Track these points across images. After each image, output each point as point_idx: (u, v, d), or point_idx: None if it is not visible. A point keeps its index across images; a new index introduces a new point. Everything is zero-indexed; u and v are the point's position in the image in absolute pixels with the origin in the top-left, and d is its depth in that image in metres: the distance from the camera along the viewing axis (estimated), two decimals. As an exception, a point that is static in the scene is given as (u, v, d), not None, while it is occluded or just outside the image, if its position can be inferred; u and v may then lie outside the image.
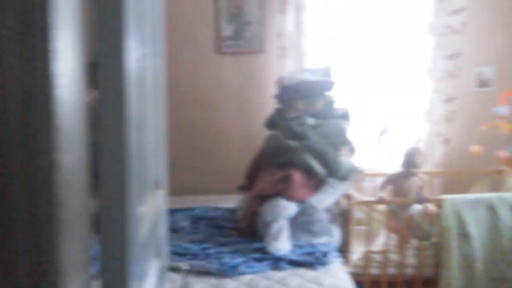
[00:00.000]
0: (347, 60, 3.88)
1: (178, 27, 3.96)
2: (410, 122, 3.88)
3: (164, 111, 1.20)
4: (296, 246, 2.83)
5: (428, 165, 3.75)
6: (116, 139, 0.64)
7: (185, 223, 3.35)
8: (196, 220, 3.42)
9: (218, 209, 3.61)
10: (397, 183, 3.09)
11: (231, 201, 3.53)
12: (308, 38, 3.74)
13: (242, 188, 3.39)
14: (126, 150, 0.65)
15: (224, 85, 4.02)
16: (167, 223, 1.28)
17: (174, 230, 3.23)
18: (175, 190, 3.95)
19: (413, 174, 3.04)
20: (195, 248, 2.88)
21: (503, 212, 2.75)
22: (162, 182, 1.18)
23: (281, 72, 3.65)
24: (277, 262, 2.64)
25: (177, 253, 2.81)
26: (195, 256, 2.78)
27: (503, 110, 3.23)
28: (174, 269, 1.29)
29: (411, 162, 3.03)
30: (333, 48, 3.90)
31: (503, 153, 3.32)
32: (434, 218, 2.97)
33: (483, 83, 3.91)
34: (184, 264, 1.35)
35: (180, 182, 3.90)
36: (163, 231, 1.19)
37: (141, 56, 0.79)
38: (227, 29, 3.93)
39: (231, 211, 3.51)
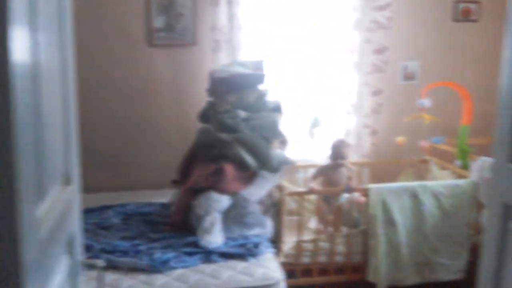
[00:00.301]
0: (279, 53, 3.92)
1: (107, 18, 3.83)
2: (340, 114, 3.99)
3: (74, 105, 1.15)
4: (229, 238, 2.84)
5: (357, 156, 3.89)
6: (1, 135, 0.60)
7: (116, 220, 3.27)
8: (128, 216, 3.35)
9: (151, 204, 3.55)
10: (326, 174, 3.18)
11: (166, 196, 3.50)
12: (241, 32, 3.74)
13: (176, 183, 3.36)
14: (13, 146, 0.62)
15: (157, 78, 3.94)
16: (81, 219, 1.24)
17: (104, 227, 3.16)
18: (108, 186, 3.88)
19: (341, 165, 3.13)
20: (125, 244, 2.82)
21: (425, 199, 2.90)
22: (73, 177, 1.14)
23: (214, 65, 3.63)
24: (208, 255, 2.64)
25: (106, 251, 2.74)
26: (125, 253, 2.72)
27: (425, 102, 3.40)
28: (90, 266, 1.26)
29: (338, 154, 3.12)
30: (266, 41, 3.93)
31: (425, 143, 3.49)
32: (362, 207, 3.09)
33: (408, 76, 4.10)
34: (99, 261, 1.31)
35: (114, 177, 3.80)
36: (75, 227, 1.15)
37: (34, 45, 0.75)
38: (158, 21, 3.85)
39: (165, 206, 3.47)
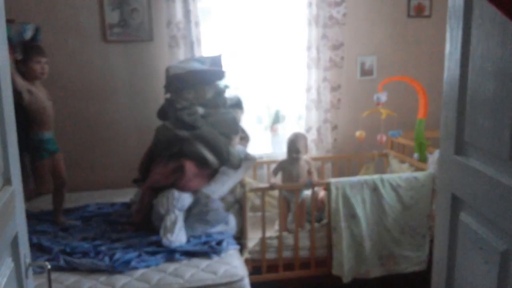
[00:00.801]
0: (237, 49, 3.89)
1: (58, 13, 3.68)
2: (301, 110, 3.99)
3: (9, 103, 1.08)
4: (192, 236, 2.79)
5: (319, 151, 3.91)
6: None
7: (76, 222, 3.18)
8: (89, 218, 3.26)
9: (113, 204, 3.47)
10: (285, 169, 3.16)
11: (128, 195, 3.41)
12: (198, 27, 3.67)
13: (137, 181, 3.27)
14: None
15: (113, 75, 3.83)
16: (24, 220, 1.17)
17: (64, 229, 3.06)
18: (70, 186, 3.73)
19: (298, 159, 3.12)
20: (85, 246, 2.74)
21: (385, 192, 2.93)
22: (14, 178, 1.07)
23: (172, 62, 3.56)
24: (171, 254, 2.58)
25: (66, 252, 2.64)
26: (85, 254, 2.63)
27: (381, 97, 3.44)
28: (38, 268, 1.18)
29: (294, 148, 3.11)
30: (223, 37, 3.89)
31: (383, 137, 3.54)
32: (323, 201, 3.09)
33: (365, 72, 4.15)
34: (46, 263, 1.24)
35: (72, 178, 3.65)
36: (18, 228, 1.08)
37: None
38: (112, 16, 3.73)
39: (126, 205, 3.39)
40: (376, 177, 2.97)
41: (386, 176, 2.99)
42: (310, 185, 2.95)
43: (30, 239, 2.84)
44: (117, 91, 3.86)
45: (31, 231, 3.02)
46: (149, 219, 2.91)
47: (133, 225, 3.00)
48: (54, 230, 3.04)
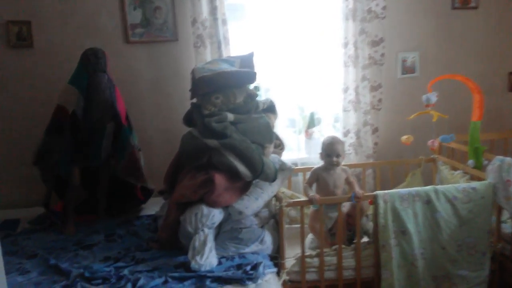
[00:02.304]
0: (268, 48, 3.58)
1: (78, 13, 3.46)
2: (338, 112, 3.67)
3: None
4: (224, 257, 2.51)
5: (359, 156, 3.59)
6: None
7: (99, 237, 2.96)
8: (113, 231, 3.04)
9: (138, 217, 3.25)
10: (321, 178, 2.86)
11: (154, 206, 3.20)
12: (226, 25, 3.40)
13: (163, 193, 3.02)
14: None
15: (137, 78, 3.60)
16: None
17: (85, 246, 2.83)
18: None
19: (335, 165, 2.81)
20: (106, 269, 2.47)
21: (440, 205, 2.60)
22: None
23: (198, 63, 3.29)
24: (201, 280, 2.29)
25: (84, 277, 2.38)
26: (105, 279, 2.37)
27: (431, 97, 3.09)
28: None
29: (334, 151, 2.80)
30: (253, 36, 3.59)
31: (434, 142, 3.20)
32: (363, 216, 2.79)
33: (407, 69, 3.81)
34: None
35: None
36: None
37: None
38: (134, 16, 3.49)
39: (153, 218, 3.15)
40: (429, 188, 2.64)
41: (440, 187, 2.65)
42: (355, 198, 2.63)
43: (47, 260, 2.64)
44: (141, 95, 3.62)
45: (51, 247, 2.81)
46: (176, 236, 2.65)
47: (159, 243, 2.74)
48: (76, 249, 2.82)
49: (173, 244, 2.66)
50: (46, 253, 2.72)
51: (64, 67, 3.47)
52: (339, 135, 3.54)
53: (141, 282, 2.31)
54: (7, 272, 2.50)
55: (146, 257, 2.61)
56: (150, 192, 3.29)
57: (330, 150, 2.83)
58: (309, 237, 2.94)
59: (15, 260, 2.66)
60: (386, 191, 2.65)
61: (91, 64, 2.93)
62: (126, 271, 2.44)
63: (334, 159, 2.82)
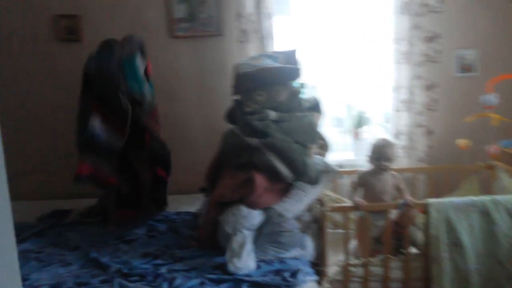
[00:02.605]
0: (315, 44, 3.44)
1: (124, 7, 3.45)
2: (389, 112, 3.48)
3: None
4: (263, 261, 2.40)
5: (410, 159, 3.38)
6: None
7: (141, 231, 2.94)
8: (154, 226, 3.01)
9: (179, 213, 3.20)
10: (368, 182, 2.69)
11: (196, 201, 3.11)
12: (271, 19, 3.28)
13: (204, 190, 2.95)
14: None
15: (180, 73, 3.55)
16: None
17: (127, 240, 2.81)
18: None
19: (384, 170, 2.64)
20: (144, 266, 2.44)
21: (499, 217, 2.38)
22: None
23: (242, 58, 3.19)
24: (238, 284, 2.19)
25: (122, 273, 2.35)
26: (142, 277, 2.32)
27: (491, 99, 2.85)
28: None
29: (381, 155, 2.63)
30: (299, 30, 3.45)
31: (494, 148, 2.94)
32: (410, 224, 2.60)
33: (464, 68, 3.55)
34: None
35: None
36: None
37: None
38: (179, 10, 3.44)
39: (194, 215, 3.09)
40: (487, 198, 2.42)
41: (500, 198, 2.43)
42: (405, 205, 2.45)
43: (88, 253, 2.64)
44: (184, 90, 3.58)
45: (94, 240, 2.81)
46: (215, 236, 2.57)
47: (198, 241, 2.67)
48: (117, 243, 2.80)
49: (212, 243, 2.58)
50: (88, 245, 2.73)
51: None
52: (389, 136, 3.35)
53: (177, 282, 2.25)
54: (50, 263, 2.51)
55: (185, 255, 2.55)
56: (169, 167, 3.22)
57: (380, 153, 2.66)
58: (354, 243, 2.79)
59: (58, 252, 2.68)
60: (439, 200, 2.45)
61: None
62: (163, 269, 2.39)
63: (384, 163, 2.65)
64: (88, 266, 2.50)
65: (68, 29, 3.47)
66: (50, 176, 3.57)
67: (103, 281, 2.28)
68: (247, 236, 2.39)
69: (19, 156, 3.57)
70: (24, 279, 2.30)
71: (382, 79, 3.47)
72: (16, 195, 3.82)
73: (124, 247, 2.73)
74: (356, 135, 3.48)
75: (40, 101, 3.55)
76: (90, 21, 3.45)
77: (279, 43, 3.39)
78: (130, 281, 2.27)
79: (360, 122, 3.46)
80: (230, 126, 2.78)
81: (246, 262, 2.29)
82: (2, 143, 0.88)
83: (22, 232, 2.90)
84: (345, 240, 2.50)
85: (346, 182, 3.21)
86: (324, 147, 2.85)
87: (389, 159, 2.66)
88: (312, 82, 3.47)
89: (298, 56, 2.79)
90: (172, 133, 3.58)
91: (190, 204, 3.20)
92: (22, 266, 2.45)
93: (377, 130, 3.54)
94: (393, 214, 2.63)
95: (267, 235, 2.48)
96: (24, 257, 2.57)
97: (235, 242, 2.35)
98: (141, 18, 3.47)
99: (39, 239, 2.83)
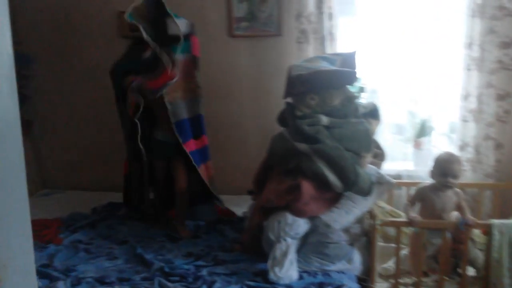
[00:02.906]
0: (379, 46, 3.26)
1: (185, 6, 3.47)
2: (455, 121, 3.24)
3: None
4: (306, 272, 2.31)
5: (476, 174, 3.12)
6: None
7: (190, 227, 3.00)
8: (200, 226, 3.03)
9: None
10: (428, 198, 2.49)
11: (245, 203, 3.03)
12: (332, 20, 3.15)
13: (252, 193, 2.90)
14: None
15: (238, 73, 3.52)
16: None
17: (172, 239, 2.85)
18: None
19: (449, 187, 2.43)
20: (185, 267, 2.43)
21: None
22: None
23: (299, 59, 3.10)
24: (277, 294, 2.13)
25: (164, 272, 2.35)
26: (182, 278, 2.31)
27: None
28: None
29: (451, 171, 2.42)
30: (364, 32, 3.29)
31: None
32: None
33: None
34: None
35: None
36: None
37: None
38: (240, 9, 3.40)
39: (240, 218, 3.07)
40: (561, 222, 2.17)
41: None
42: (465, 225, 2.26)
43: (135, 248, 2.68)
44: (241, 91, 3.54)
45: (141, 236, 2.84)
46: (259, 241, 2.51)
47: (242, 245, 2.63)
48: (163, 239, 2.82)
49: (256, 248, 2.52)
50: (136, 241, 2.77)
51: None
52: (454, 148, 3.11)
53: (216, 286, 2.22)
54: (97, 256, 2.57)
55: (227, 259, 2.53)
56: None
57: (447, 169, 2.44)
58: (406, 259, 2.61)
59: (106, 245, 2.75)
60: (504, 221, 2.24)
61: None
62: (204, 272, 2.38)
63: (450, 180, 2.44)
64: (133, 262, 2.54)
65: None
66: (109, 168, 3.65)
67: (144, 278, 2.30)
68: (291, 244, 2.31)
69: (79, 147, 3.71)
70: (70, 269, 2.36)
71: (449, 86, 3.23)
72: (74, 185, 3.97)
73: (169, 245, 2.76)
74: (418, 145, 3.27)
75: (103, 95, 3.65)
76: (152, 19, 3.50)
77: (341, 45, 3.26)
78: (170, 281, 2.27)
79: (422, 131, 3.25)
80: (282, 129, 2.70)
81: (287, 271, 2.22)
82: (21, 140, 0.85)
83: (76, 222, 3.00)
84: (397, 256, 2.34)
85: (403, 194, 3.03)
86: (379, 156, 2.70)
87: (455, 176, 2.44)
88: (373, 87, 3.31)
89: (357, 58, 2.65)
90: (225, 134, 3.57)
91: (238, 205, 3.17)
92: (71, 257, 2.54)
93: (441, 141, 3.31)
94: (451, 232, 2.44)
95: (312, 245, 2.39)
96: (74, 247, 2.65)
97: (278, 250, 2.28)
98: (202, 16, 3.46)
99: (91, 231, 2.91)
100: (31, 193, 3.52)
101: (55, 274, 2.27)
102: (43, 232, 2.77)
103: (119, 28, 3.52)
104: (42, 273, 2.27)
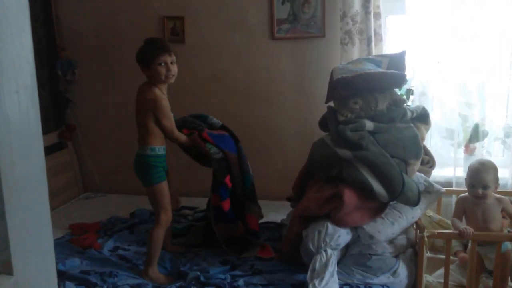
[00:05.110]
0: (429, 47, 3.08)
1: (227, 9, 3.43)
2: (511, 125, 3.03)
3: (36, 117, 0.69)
4: (348, 285, 2.21)
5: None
6: None
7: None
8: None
9: (266, 222, 3.06)
10: (467, 209, 2.32)
11: (283, 210, 2.98)
12: (379, 20, 3.02)
13: (291, 200, 2.81)
14: None
15: (279, 76, 3.45)
16: None
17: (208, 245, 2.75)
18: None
19: (481, 198, 2.25)
20: (221, 276, 2.36)
21: None
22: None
23: (344, 61, 2.99)
24: (316, 308, 2.03)
25: (199, 281, 2.30)
26: (218, 287, 2.25)
27: None
28: None
29: (479, 181, 2.24)
30: (415, 31, 3.12)
31: None
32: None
33: None
34: None
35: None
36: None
37: None
38: (282, 11, 3.32)
39: (279, 225, 2.97)
40: None
41: None
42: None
43: (166, 260, 2.60)
44: (282, 94, 3.46)
45: (175, 243, 2.78)
46: (298, 251, 2.42)
47: (280, 254, 2.54)
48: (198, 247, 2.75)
49: (295, 258, 2.43)
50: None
51: (212, 62, 3.50)
52: (509, 154, 2.90)
53: (251, 299, 2.15)
54: (136, 264, 2.52)
55: (265, 268, 2.44)
56: None
57: (475, 179, 2.27)
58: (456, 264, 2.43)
59: (143, 251, 2.70)
60: None
61: None
62: (241, 282, 2.31)
63: (480, 191, 2.26)
64: (167, 274, 2.47)
65: (173, 30, 3.54)
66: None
67: (179, 287, 2.25)
68: (332, 256, 2.20)
69: (120, 151, 3.73)
70: (110, 275, 2.34)
71: (504, 88, 3.01)
72: (114, 189, 3.97)
73: (204, 253, 2.66)
74: (469, 150, 3.08)
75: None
76: (193, 23, 3.49)
77: (389, 45, 3.11)
78: (205, 291, 2.21)
79: (475, 135, 3.05)
80: (324, 134, 2.60)
81: (328, 284, 2.11)
82: (43, 154, 0.81)
83: (114, 226, 3.01)
84: (446, 270, 2.19)
85: (453, 202, 2.84)
86: (428, 163, 2.55)
87: (486, 186, 2.26)
88: (422, 89, 3.14)
89: (404, 60, 2.51)
90: (265, 137, 3.50)
91: (277, 211, 3.08)
92: (111, 263, 2.51)
93: (495, 146, 3.10)
94: (507, 246, 2.25)
95: (353, 256, 2.28)
96: (114, 254, 2.64)
97: (318, 262, 2.18)
98: (243, 19, 3.41)
99: (129, 236, 2.88)
100: (74, 197, 3.64)
101: (93, 280, 2.27)
102: (83, 237, 2.79)
103: (162, 34, 3.52)
104: (80, 279, 2.27)
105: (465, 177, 2.39)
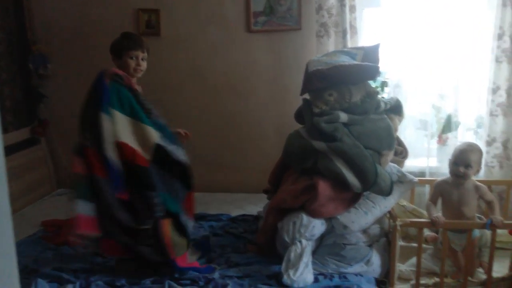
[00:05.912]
0: (403, 39, 3.12)
1: (203, 1, 3.42)
2: (483, 116, 3.08)
3: None
4: (322, 275, 2.23)
5: (504, 170, 2.97)
6: None
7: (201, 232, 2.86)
8: (213, 227, 2.94)
9: (243, 215, 3.08)
10: (444, 192, 2.36)
11: (260, 202, 2.98)
12: (354, 13, 3.04)
13: (268, 192, 2.82)
14: None
15: (255, 69, 3.46)
16: None
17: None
18: (201, 187, 3.49)
19: (465, 177, 2.28)
20: (198, 269, 2.35)
21: None
22: None
23: (320, 53, 3.00)
24: (291, 299, 2.05)
25: (173, 277, 2.27)
26: (193, 282, 2.24)
27: None
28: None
29: (463, 160, 2.27)
30: (387, 24, 3.16)
31: None
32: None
33: None
34: None
35: (206, 178, 3.39)
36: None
37: None
38: (258, 3, 3.33)
39: (255, 217, 2.98)
40: None
41: None
42: (491, 226, 2.13)
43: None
44: (258, 87, 3.47)
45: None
46: (274, 242, 2.43)
47: (256, 246, 2.55)
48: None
49: (271, 250, 2.45)
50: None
51: (188, 55, 3.48)
52: (481, 143, 2.96)
53: (227, 290, 2.15)
54: (110, 259, 2.50)
55: (241, 261, 2.44)
56: None
57: (459, 157, 2.29)
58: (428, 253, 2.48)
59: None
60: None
61: None
62: (216, 274, 2.30)
63: (461, 169, 2.29)
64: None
65: (148, 23, 3.51)
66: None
67: (154, 282, 2.24)
68: (306, 246, 2.23)
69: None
70: (81, 272, 2.31)
71: (476, 79, 3.07)
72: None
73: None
74: (442, 141, 3.13)
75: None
76: (169, 16, 3.46)
77: (364, 38, 3.14)
78: (181, 284, 2.20)
79: (448, 126, 3.10)
80: (300, 126, 2.62)
81: (302, 275, 2.13)
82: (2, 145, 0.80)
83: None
84: (418, 257, 2.22)
85: (426, 191, 2.90)
86: (401, 154, 2.58)
87: (467, 165, 2.28)
88: (396, 81, 3.18)
89: (378, 52, 2.53)
90: (241, 129, 3.51)
91: (254, 204, 3.10)
92: (83, 260, 2.47)
93: (467, 136, 3.16)
94: (477, 233, 2.31)
95: (328, 246, 2.30)
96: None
97: (293, 253, 2.20)
98: (219, 12, 3.40)
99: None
100: (47, 193, 3.58)
101: (66, 276, 2.25)
102: (57, 234, 2.76)
103: (137, 27, 3.49)
104: (53, 276, 2.25)
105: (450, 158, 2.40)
